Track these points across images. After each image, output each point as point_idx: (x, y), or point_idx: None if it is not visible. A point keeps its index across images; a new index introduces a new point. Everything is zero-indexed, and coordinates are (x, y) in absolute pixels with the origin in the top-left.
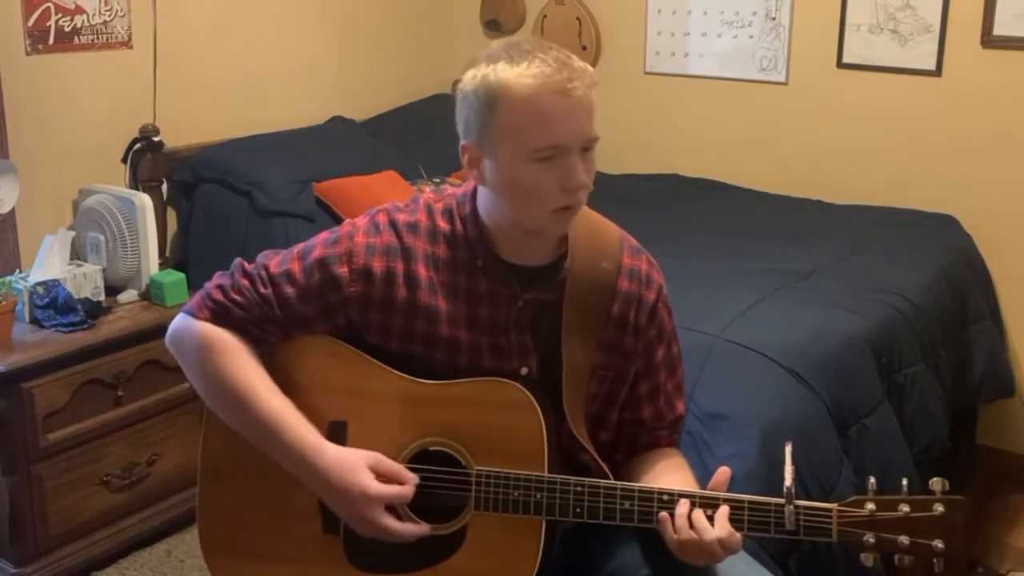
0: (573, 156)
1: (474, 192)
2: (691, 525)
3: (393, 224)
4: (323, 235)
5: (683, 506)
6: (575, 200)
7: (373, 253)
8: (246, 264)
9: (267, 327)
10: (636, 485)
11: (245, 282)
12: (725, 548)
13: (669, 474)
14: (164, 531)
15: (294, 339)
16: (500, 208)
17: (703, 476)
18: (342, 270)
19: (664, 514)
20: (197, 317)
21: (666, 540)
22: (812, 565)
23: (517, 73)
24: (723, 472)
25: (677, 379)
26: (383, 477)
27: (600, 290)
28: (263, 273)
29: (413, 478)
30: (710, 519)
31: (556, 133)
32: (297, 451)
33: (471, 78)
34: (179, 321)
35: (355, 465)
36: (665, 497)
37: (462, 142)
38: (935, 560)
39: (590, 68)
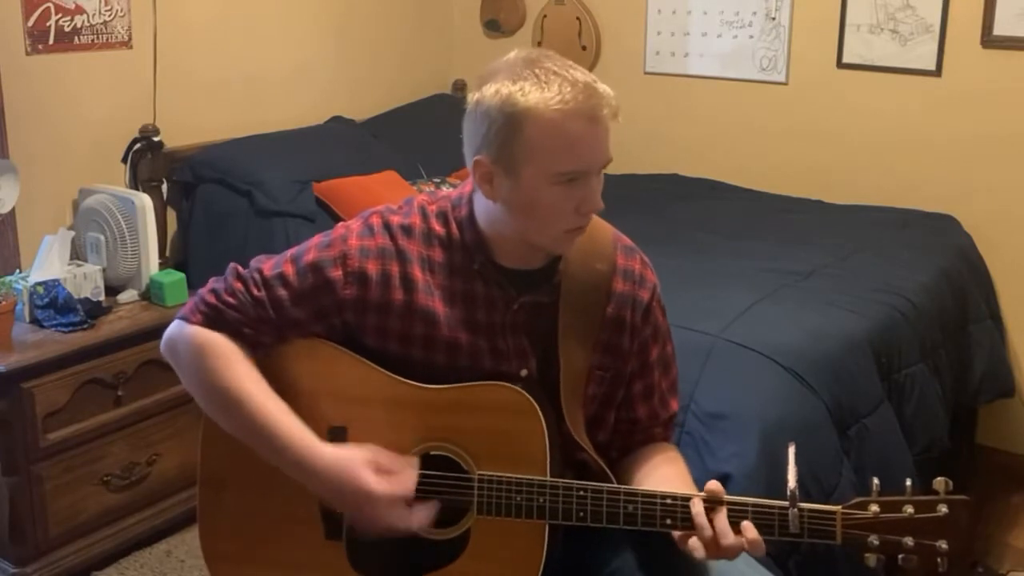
0: (593, 180)
1: (470, 196)
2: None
3: (387, 226)
4: (317, 238)
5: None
6: (587, 222)
7: (368, 256)
8: (240, 268)
9: (261, 329)
10: (639, 488)
11: (239, 285)
12: (751, 548)
13: (663, 468)
14: (164, 531)
15: (292, 344)
16: (508, 222)
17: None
18: (336, 273)
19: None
20: (191, 322)
21: (683, 536)
22: (812, 565)
23: (547, 96)
24: (714, 483)
25: (671, 378)
26: (383, 472)
27: (595, 291)
28: (256, 276)
29: (414, 467)
30: (735, 526)
31: (581, 157)
32: (294, 455)
33: (493, 94)
34: (173, 328)
35: (354, 465)
36: (669, 500)
37: (476, 157)
38: (939, 560)
39: (612, 92)
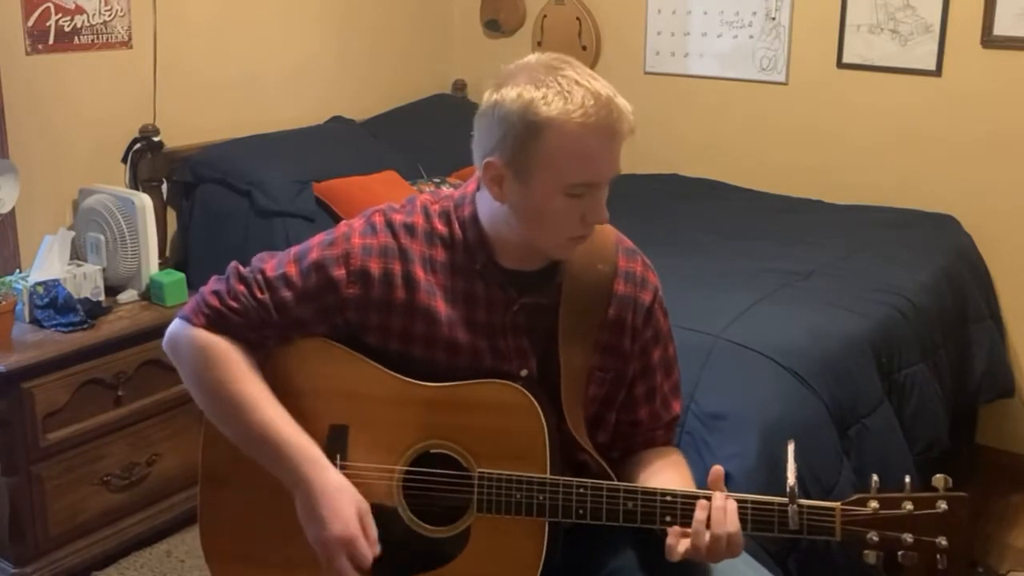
0: (602, 192)
1: (473, 196)
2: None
3: (390, 225)
4: (319, 237)
5: (719, 498)
6: (591, 231)
7: (370, 254)
8: (241, 268)
9: (264, 331)
10: (639, 486)
11: (241, 287)
12: (730, 545)
13: (666, 471)
14: (164, 531)
15: (293, 343)
16: (513, 225)
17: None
18: (339, 272)
19: (704, 502)
20: (193, 323)
21: (670, 535)
22: (812, 564)
23: (570, 108)
24: (717, 471)
25: (674, 380)
26: (364, 524)
27: (596, 293)
28: (259, 277)
29: (376, 549)
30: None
31: (595, 171)
32: (296, 461)
33: (515, 98)
34: (175, 327)
35: (351, 500)
36: (668, 498)
37: (488, 158)
38: (938, 556)
39: (630, 106)
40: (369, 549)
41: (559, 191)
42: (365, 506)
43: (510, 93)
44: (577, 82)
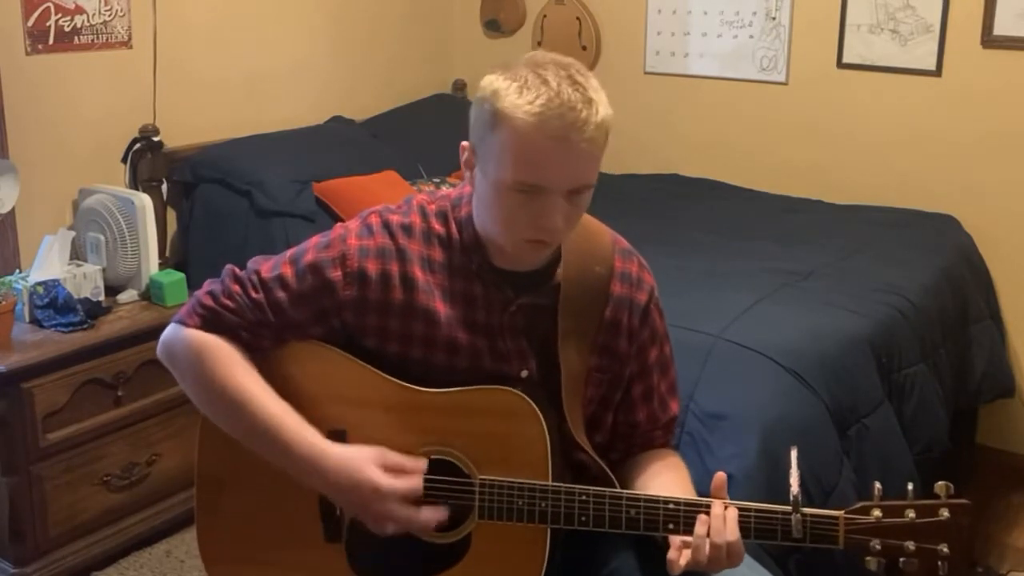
0: (553, 197)
1: (471, 196)
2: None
3: (387, 225)
4: (315, 239)
5: (718, 506)
6: (547, 237)
7: (367, 255)
8: (236, 270)
9: (260, 331)
10: (642, 493)
11: (236, 287)
12: (730, 554)
13: (664, 474)
14: (164, 531)
15: (291, 347)
16: (480, 215)
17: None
18: (336, 274)
19: (704, 516)
20: (187, 325)
21: (672, 545)
22: (813, 566)
23: (519, 104)
24: (720, 478)
25: (670, 380)
26: (391, 470)
27: (593, 294)
28: (254, 278)
29: (421, 466)
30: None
31: (541, 175)
32: (300, 455)
33: (488, 85)
34: (169, 331)
35: (362, 463)
36: (671, 505)
37: (465, 141)
38: (940, 563)
39: (603, 115)
40: (409, 481)
41: (508, 186)
42: (379, 452)
43: (486, 81)
44: (545, 81)
